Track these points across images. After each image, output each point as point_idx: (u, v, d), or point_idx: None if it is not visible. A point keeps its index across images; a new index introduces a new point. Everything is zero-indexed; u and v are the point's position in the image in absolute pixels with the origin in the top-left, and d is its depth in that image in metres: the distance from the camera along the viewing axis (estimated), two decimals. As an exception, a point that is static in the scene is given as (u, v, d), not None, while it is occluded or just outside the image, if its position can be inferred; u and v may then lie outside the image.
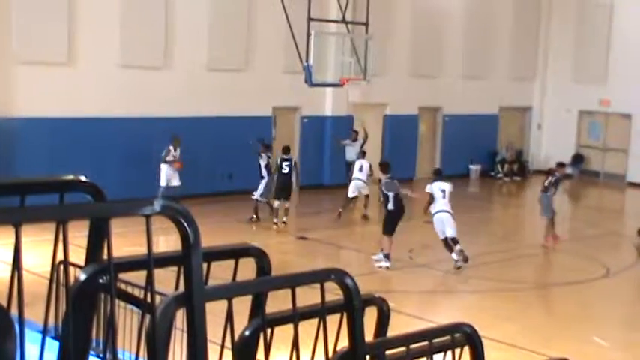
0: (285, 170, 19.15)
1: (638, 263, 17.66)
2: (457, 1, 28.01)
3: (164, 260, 2.96)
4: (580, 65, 30.23)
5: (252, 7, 22.82)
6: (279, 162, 19.37)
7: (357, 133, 24.03)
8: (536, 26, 30.96)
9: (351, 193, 20.42)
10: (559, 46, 30.92)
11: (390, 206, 16.11)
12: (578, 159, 30.68)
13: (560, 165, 19.67)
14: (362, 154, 21.38)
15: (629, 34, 28.73)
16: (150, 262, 2.48)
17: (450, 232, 15.73)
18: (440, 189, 15.95)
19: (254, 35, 22.96)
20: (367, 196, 20.54)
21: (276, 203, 19.10)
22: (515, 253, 18.24)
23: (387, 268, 15.73)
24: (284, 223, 19.03)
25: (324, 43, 19.67)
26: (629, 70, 28.63)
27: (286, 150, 19.80)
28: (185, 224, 2.45)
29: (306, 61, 18.38)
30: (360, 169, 20.52)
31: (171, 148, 20.09)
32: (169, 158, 20.05)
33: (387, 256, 15.87)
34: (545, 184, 18.85)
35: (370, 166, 20.47)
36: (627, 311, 14.20)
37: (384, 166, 16.98)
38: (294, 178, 19.41)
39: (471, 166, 29.29)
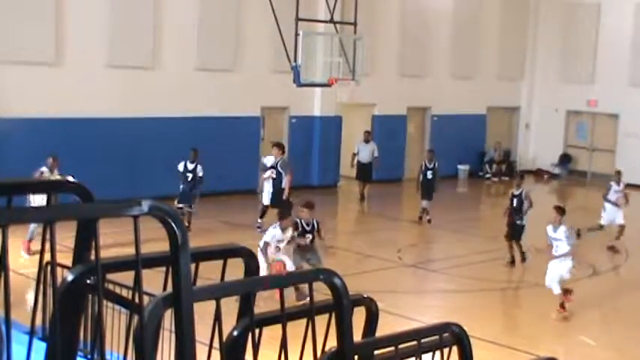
0: (430, 176, 20.47)
1: (625, 263, 17.72)
2: (445, 1, 28.07)
3: (152, 261, 2.95)
4: (567, 65, 30.33)
5: (240, 7, 22.80)
6: (423, 169, 20.63)
7: (369, 133, 24.11)
8: (523, 26, 31.04)
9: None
10: (547, 47, 31.01)
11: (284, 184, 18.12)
12: (565, 159, 30.80)
13: None
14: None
15: (617, 35, 28.85)
16: (138, 262, 2.47)
17: None
18: None
19: (242, 35, 22.95)
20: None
21: (424, 203, 20.49)
22: (504, 253, 18.26)
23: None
24: (429, 221, 20.33)
25: (313, 44, 19.65)
26: (616, 70, 28.75)
27: (431, 157, 20.85)
28: (173, 225, 2.44)
29: (295, 61, 18.36)
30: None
31: (44, 169, 15.49)
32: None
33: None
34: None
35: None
36: (614, 311, 14.23)
37: (281, 147, 18.93)
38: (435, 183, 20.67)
39: (460, 166, 29.34)
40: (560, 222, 13.34)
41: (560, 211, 13.48)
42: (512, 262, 16.46)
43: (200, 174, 17.93)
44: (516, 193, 16.92)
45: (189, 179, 17.97)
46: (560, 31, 30.47)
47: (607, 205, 18.73)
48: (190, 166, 18.03)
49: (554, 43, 30.62)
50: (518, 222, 16.48)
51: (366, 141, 23.84)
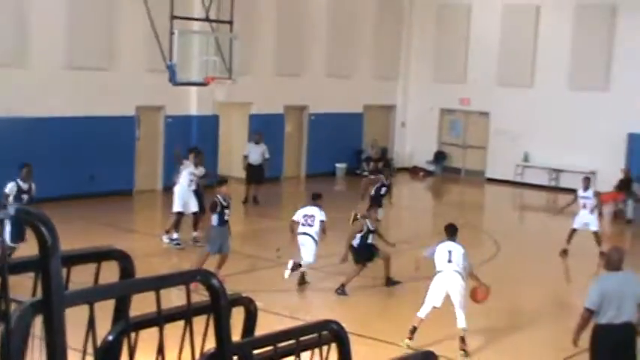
0: (383, 192, 19.62)
1: (498, 257, 18.28)
2: (321, 0, 28.29)
3: (20, 266, 2.84)
4: (441, 65, 31.07)
5: (112, 4, 22.31)
6: (380, 184, 19.76)
7: (259, 135, 23.75)
8: (398, 26, 31.60)
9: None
10: (421, 46, 31.67)
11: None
12: (440, 156, 31.55)
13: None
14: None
15: (487, 35, 29.74)
16: (4, 268, 2.37)
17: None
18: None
19: (115, 33, 22.46)
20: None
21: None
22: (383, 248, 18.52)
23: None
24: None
25: (188, 42, 19.47)
26: (487, 69, 29.65)
27: (388, 175, 20.45)
28: (42, 228, 2.36)
29: (170, 59, 18.14)
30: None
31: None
32: None
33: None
34: None
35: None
36: (487, 302, 14.64)
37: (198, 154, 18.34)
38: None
39: (337, 165, 29.66)
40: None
41: (448, 230, 12.51)
42: (343, 289, 14.54)
43: (34, 194, 14.50)
44: (372, 228, 14.98)
45: (24, 202, 13.96)
46: (433, 31, 31.19)
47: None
48: (24, 186, 14.34)
49: (428, 43, 31.32)
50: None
51: (257, 142, 23.60)
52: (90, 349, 2.92)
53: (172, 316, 3.28)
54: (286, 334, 3.29)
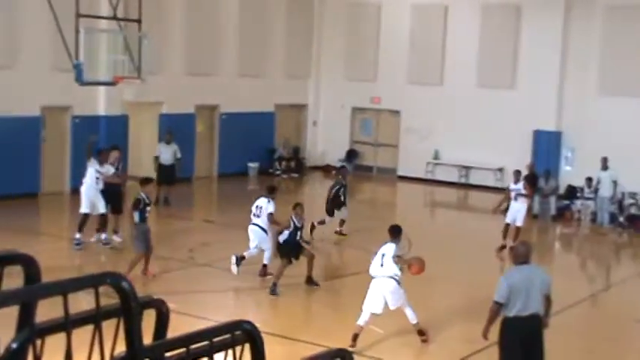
0: (341, 192, 19.89)
1: (410, 253, 18.48)
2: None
3: None
4: (352, 64, 31.27)
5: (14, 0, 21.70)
6: (339, 186, 19.94)
7: (170, 134, 23.34)
8: (309, 26, 31.66)
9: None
10: (331, 45, 31.80)
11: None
12: (352, 154, 31.76)
13: None
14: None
15: (397, 34, 30.07)
16: None
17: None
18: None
19: (18, 30, 21.84)
20: None
21: (328, 218, 19.72)
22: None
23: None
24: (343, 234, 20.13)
25: (95, 41, 19.09)
26: (397, 68, 29.98)
27: (344, 175, 20.57)
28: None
29: (76, 58, 17.76)
30: None
31: None
32: None
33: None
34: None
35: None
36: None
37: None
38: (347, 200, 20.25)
39: (250, 164, 29.55)
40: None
41: (391, 232, 12.54)
42: (275, 287, 14.43)
43: None
44: (299, 225, 14.97)
45: None
46: (344, 31, 31.35)
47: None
48: None
49: (339, 43, 31.47)
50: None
51: (168, 142, 23.24)
52: (-7, 358, 2.81)
53: (81, 320, 3.18)
54: (199, 336, 3.23)
